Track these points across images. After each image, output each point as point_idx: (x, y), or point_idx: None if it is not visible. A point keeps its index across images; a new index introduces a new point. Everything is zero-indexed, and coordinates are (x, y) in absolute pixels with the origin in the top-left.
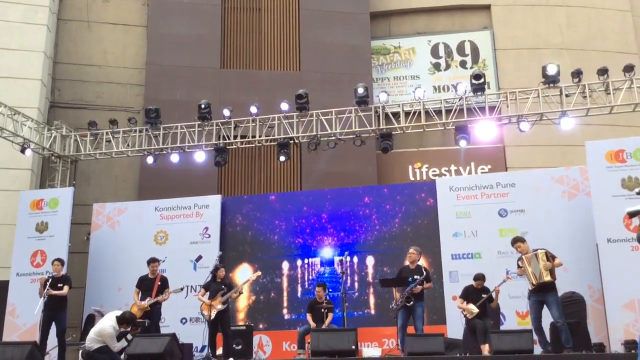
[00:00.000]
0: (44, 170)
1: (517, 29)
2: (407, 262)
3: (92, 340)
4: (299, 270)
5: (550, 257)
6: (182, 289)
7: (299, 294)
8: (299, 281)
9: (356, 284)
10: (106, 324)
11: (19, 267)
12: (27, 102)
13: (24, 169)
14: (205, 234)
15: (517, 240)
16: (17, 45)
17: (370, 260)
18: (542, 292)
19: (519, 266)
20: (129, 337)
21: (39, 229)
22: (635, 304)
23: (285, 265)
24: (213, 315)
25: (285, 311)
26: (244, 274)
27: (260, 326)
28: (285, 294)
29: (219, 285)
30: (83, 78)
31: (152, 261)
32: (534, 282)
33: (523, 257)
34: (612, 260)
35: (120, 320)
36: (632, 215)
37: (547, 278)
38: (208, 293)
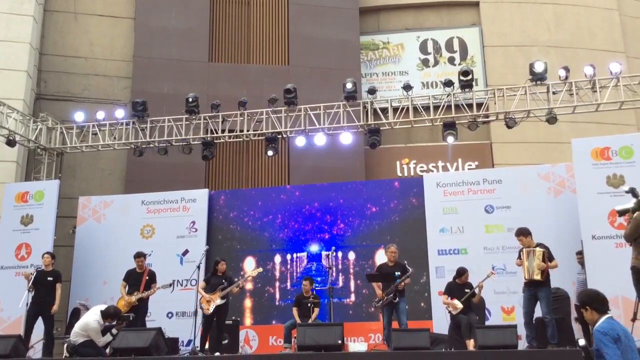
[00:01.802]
0: (30, 162)
1: (505, 26)
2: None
3: (76, 335)
4: (286, 265)
5: (547, 258)
6: (170, 285)
7: (286, 288)
8: (287, 275)
9: (351, 280)
10: (90, 319)
11: (3, 260)
12: (12, 93)
13: (9, 161)
14: (192, 228)
15: (519, 233)
16: (2, 36)
17: (356, 255)
18: (534, 287)
19: (519, 257)
20: (114, 331)
21: (24, 221)
22: (619, 300)
23: (273, 260)
24: (211, 310)
25: (273, 305)
26: (232, 268)
27: (248, 320)
28: (272, 287)
29: (219, 279)
30: (69, 70)
31: (138, 256)
32: (526, 277)
33: (524, 249)
34: (597, 256)
35: (105, 314)
36: (621, 213)
37: (537, 277)
38: (208, 286)
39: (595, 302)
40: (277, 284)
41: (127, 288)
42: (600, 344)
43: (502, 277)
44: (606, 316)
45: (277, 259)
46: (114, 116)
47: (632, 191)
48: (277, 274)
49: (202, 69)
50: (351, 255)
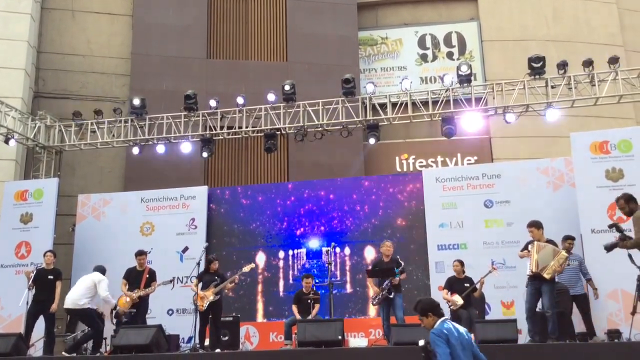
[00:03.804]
0: (28, 160)
1: (504, 21)
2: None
3: (79, 297)
4: (286, 261)
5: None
6: (171, 281)
7: (285, 285)
8: (286, 272)
9: (347, 275)
10: (94, 277)
11: (3, 259)
12: (10, 92)
13: (7, 159)
14: (191, 225)
15: (532, 225)
16: (0, 35)
17: (356, 251)
18: (538, 282)
19: (527, 249)
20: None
21: (24, 220)
22: (618, 293)
23: (272, 256)
24: (205, 306)
25: (272, 301)
26: (231, 264)
27: (247, 317)
28: (271, 284)
29: (212, 276)
30: (67, 68)
31: (139, 254)
32: (533, 270)
33: (535, 243)
34: (596, 250)
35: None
36: (608, 249)
37: (545, 275)
38: (201, 284)
39: (435, 308)
40: (275, 280)
41: (127, 286)
42: (434, 345)
43: (502, 272)
44: (442, 319)
45: (277, 255)
46: (113, 114)
47: (616, 226)
48: (274, 271)
49: (201, 65)
50: (352, 251)
